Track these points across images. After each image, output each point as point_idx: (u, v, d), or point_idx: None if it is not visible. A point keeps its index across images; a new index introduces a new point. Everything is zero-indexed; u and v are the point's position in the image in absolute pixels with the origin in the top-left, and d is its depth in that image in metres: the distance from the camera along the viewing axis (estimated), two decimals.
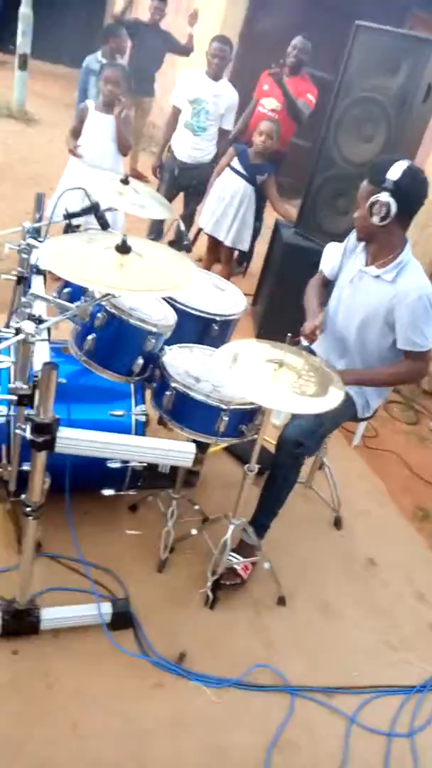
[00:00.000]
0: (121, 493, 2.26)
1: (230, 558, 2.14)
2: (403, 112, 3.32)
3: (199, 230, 4.27)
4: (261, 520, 2.27)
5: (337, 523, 2.70)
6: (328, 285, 2.49)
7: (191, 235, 4.67)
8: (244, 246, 4.16)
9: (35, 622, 1.85)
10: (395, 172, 2.03)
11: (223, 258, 4.27)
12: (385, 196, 2.04)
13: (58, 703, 1.74)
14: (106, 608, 1.94)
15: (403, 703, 2.05)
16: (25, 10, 7.32)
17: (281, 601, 2.24)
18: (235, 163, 3.97)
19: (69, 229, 2.36)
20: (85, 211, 2.37)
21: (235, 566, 2.18)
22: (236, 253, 4.27)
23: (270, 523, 2.29)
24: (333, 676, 2.06)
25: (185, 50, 5.85)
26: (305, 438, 2.17)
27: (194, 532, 2.27)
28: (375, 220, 2.09)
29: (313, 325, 2.28)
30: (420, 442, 3.60)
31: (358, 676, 2.09)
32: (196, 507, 2.39)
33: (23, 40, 7.42)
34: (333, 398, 1.84)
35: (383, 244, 2.19)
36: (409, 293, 2.12)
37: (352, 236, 2.36)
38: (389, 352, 2.25)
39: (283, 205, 4.12)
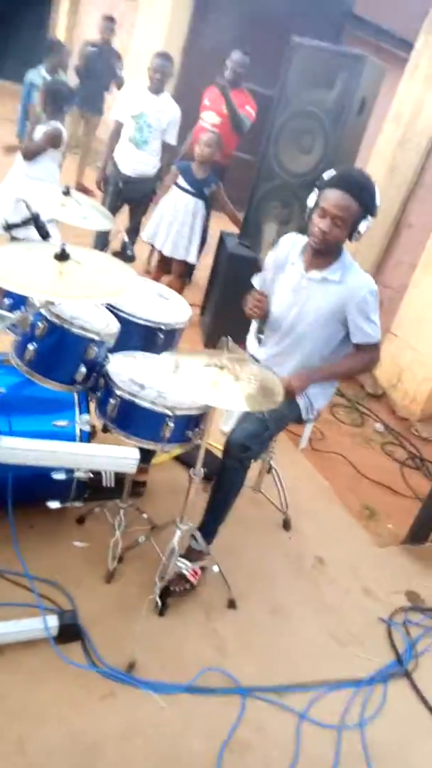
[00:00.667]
0: (67, 505, 2.24)
1: (179, 563, 2.14)
2: (340, 125, 3.47)
3: (153, 249, 4.31)
4: (209, 526, 2.29)
5: (286, 525, 2.74)
6: None
7: (148, 255, 4.72)
8: (194, 258, 4.22)
9: None
10: (378, 197, 2.14)
11: (174, 272, 4.32)
12: (370, 221, 2.15)
13: (3, 720, 1.70)
14: (53, 621, 1.91)
15: (353, 697, 2.09)
16: None
17: (231, 604, 2.26)
18: (181, 181, 4.05)
19: (12, 241, 2.35)
20: (25, 222, 2.37)
21: (184, 572, 2.19)
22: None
23: (218, 527, 2.31)
24: (283, 674, 2.08)
25: (120, 81, 5.98)
26: (251, 442, 2.21)
27: (142, 539, 2.26)
28: (346, 237, 2.18)
29: (258, 294, 2.34)
30: (365, 443, 3.70)
31: (309, 672, 2.12)
32: (145, 515, 2.39)
33: None
34: (277, 397, 1.89)
35: (334, 250, 2.26)
36: (360, 290, 2.24)
37: (284, 248, 2.40)
38: (339, 347, 2.36)
39: (235, 212, 4.22)
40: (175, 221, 4.07)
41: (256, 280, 2.53)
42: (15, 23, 9.63)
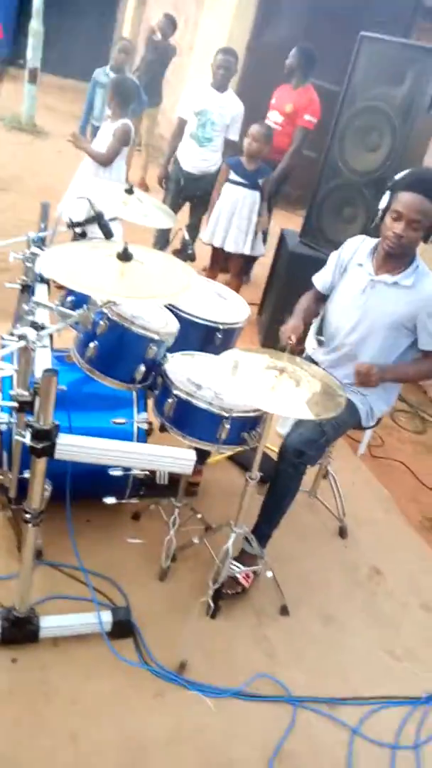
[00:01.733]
0: (123, 501, 2.26)
1: (232, 566, 2.12)
2: (408, 121, 3.34)
3: (214, 249, 4.30)
4: (263, 530, 2.25)
5: (342, 533, 2.67)
6: (322, 299, 2.48)
7: (203, 252, 4.72)
8: (261, 250, 4.17)
9: (34, 630, 1.84)
10: None
11: (233, 270, 4.29)
12: None
13: (57, 714, 1.73)
14: (107, 616, 1.93)
15: (408, 715, 2.01)
16: (35, 26, 7.46)
17: (284, 610, 2.22)
18: (233, 175, 4.00)
19: (76, 238, 2.38)
20: (88, 221, 2.39)
21: (237, 575, 2.17)
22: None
23: (272, 532, 2.27)
24: (336, 686, 2.03)
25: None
26: (307, 447, 2.16)
27: (196, 540, 2.25)
28: (422, 240, 2.10)
29: (293, 325, 2.26)
30: (427, 451, 3.57)
31: (362, 686, 2.06)
32: (199, 516, 2.38)
33: (33, 55, 7.55)
34: (335, 405, 1.83)
35: (407, 254, 2.18)
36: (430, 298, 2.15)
37: (349, 249, 2.34)
38: (404, 354, 2.27)
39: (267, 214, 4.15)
40: (233, 216, 4.02)
41: (317, 280, 2.48)
42: (81, 21, 9.86)
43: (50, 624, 1.86)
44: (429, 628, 2.37)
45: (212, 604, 2.09)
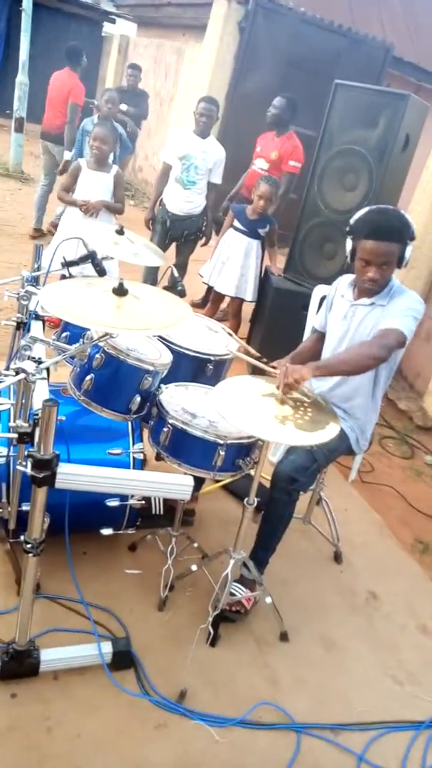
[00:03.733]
0: (120, 532, 2.27)
1: (233, 588, 2.13)
2: (383, 161, 3.52)
3: (212, 290, 4.48)
4: (259, 557, 2.28)
5: (337, 558, 2.69)
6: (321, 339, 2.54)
7: (204, 295, 4.91)
8: (252, 296, 4.33)
9: (35, 663, 1.83)
10: (412, 224, 2.15)
11: (232, 311, 4.49)
12: (409, 250, 2.16)
13: (59, 749, 1.71)
14: (107, 647, 1.93)
15: (413, 740, 2.01)
16: (21, 78, 7.75)
17: (284, 636, 2.22)
18: (236, 223, 4.23)
19: (64, 278, 2.46)
20: (82, 260, 2.48)
21: (239, 596, 2.17)
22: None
23: (268, 558, 2.30)
24: (339, 712, 2.03)
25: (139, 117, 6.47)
26: (299, 474, 2.21)
27: (194, 568, 2.27)
28: (393, 271, 2.19)
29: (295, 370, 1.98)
30: (416, 475, 3.62)
31: (365, 712, 2.05)
32: (195, 544, 2.39)
33: (19, 105, 7.82)
34: (329, 430, 1.89)
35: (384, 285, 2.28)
36: (402, 300, 2.21)
37: (333, 287, 2.46)
38: (383, 370, 2.32)
39: (272, 255, 4.32)
40: (230, 260, 4.25)
41: (315, 322, 2.58)
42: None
43: (50, 657, 1.86)
44: (428, 650, 2.38)
45: (212, 631, 2.09)
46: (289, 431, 1.85)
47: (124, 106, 5.97)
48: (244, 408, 1.92)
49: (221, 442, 2.01)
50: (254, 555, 2.27)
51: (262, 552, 2.29)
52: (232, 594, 2.14)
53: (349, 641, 2.31)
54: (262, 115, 4.64)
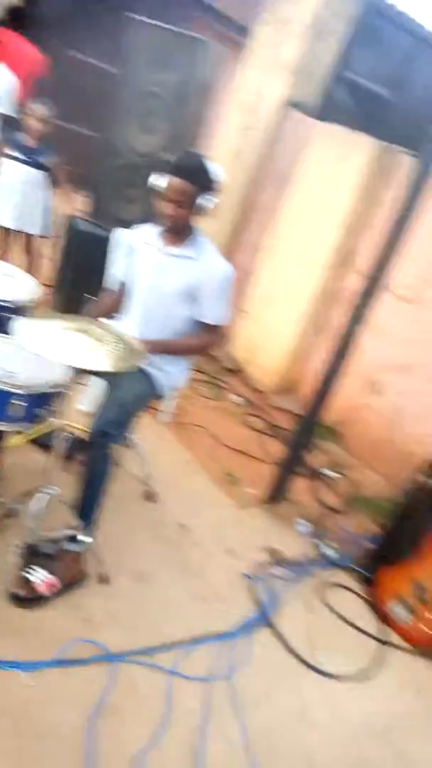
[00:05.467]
0: None
1: (29, 571, 2.07)
2: (182, 107, 3.52)
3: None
4: (89, 514, 2.23)
5: (150, 497, 2.79)
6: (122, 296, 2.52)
7: None
8: (41, 230, 4.07)
9: None
10: (220, 173, 2.21)
11: (24, 247, 4.15)
12: (212, 199, 2.22)
13: None
14: None
15: (220, 650, 2.20)
16: None
17: (103, 579, 2.25)
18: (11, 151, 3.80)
19: None
20: None
21: (32, 578, 2.07)
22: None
23: (95, 516, 2.25)
24: (152, 637, 2.14)
25: None
26: (110, 427, 2.18)
27: None
28: (193, 214, 2.24)
29: None
30: (227, 415, 3.86)
31: (178, 633, 2.19)
32: (1, 500, 2.30)
33: None
34: (133, 359, 1.95)
35: (186, 228, 2.32)
36: (217, 273, 2.32)
37: (132, 233, 2.45)
38: (186, 325, 2.40)
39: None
40: (13, 193, 3.85)
41: (110, 282, 2.52)
42: None
43: None
44: (232, 569, 2.60)
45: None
46: (104, 360, 1.88)
47: None
48: (55, 342, 1.90)
49: (16, 391, 1.94)
50: (83, 514, 2.22)
51: (90, 511, 2.23)
52: (26, 576, 2.07)
53: (159, 571, 2.43)
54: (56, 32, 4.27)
